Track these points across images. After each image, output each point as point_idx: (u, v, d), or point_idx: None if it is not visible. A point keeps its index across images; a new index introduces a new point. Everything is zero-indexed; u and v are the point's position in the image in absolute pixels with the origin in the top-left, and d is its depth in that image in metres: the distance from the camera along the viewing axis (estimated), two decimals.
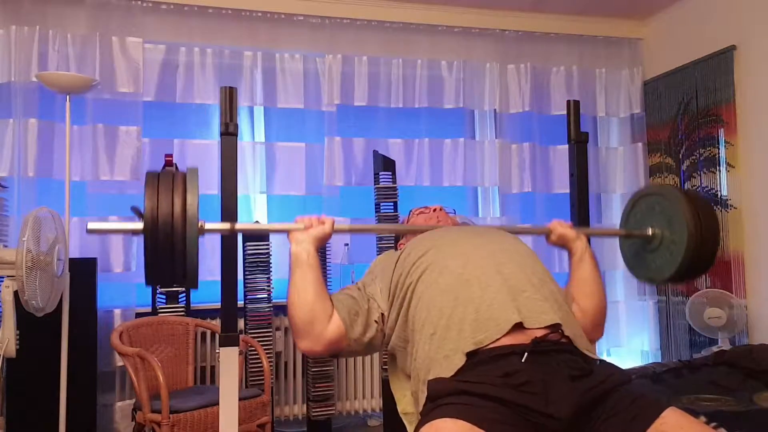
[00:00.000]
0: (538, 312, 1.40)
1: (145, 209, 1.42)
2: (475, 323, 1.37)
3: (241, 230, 1.67)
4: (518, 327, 1.36)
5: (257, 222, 3.56)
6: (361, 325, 1.56)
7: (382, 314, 1.58)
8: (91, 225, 1.53)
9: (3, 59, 3.35)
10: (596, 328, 1.67)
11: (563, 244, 1.80)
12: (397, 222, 3.53)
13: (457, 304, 1.41)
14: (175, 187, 1.45)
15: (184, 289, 3.35)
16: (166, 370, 2.96)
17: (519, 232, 1.81)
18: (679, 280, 1.87)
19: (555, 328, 1.38)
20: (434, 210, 1.95)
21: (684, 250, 1.75)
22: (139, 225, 1.43)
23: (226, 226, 1.77)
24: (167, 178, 1.47)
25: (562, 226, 1.81)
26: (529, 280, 1.47)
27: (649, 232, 1.87)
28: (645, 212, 1.92)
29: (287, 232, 1.66)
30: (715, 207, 3.77)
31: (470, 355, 1.34)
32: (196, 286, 1.54)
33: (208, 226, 1.58)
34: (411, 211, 2.02)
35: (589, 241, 1.83)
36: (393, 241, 2.09)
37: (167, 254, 1.42)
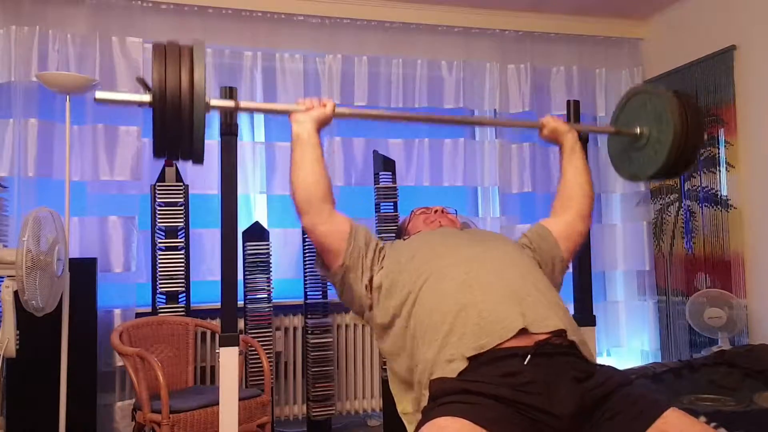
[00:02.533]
0: (542, 317, 1.39)
1: (152, 82, 1.42)
2: (478, 327, 1.37)
3: (245, 108, 1.73)
4: (522, 331, 1.36)
5: (257, 223, 3.54)
6: (361, 250, 1.59)
7: (371, 278, 1.60)
8: (99, 94, 1.53)
9: (3, 59, 3.35)
10: (585, 218, 1.84)
11: (555, 137, 1.91)
12: (397, 221, 3.53)
13: (459, 310, 1.41)
14: (182, 61, 1.46)
15: (184, 288, 3.35)
16: (166, 370, 2.96)
17: (511, 125, 1.90)
18: (661, 177, 1.96)
19: (559, 333, 1.38)
20: (435, 211, 1.94)
21: (668, 149, 1.82)
22: (146, 97, 1.45)
23: (231, 103, 1.79)
24: (174, 50, 1.47)
25: (554, 120, 1.90)
26: (534, 286, 1.47)
27: (637, 130, 1.93)
28: (636, 109, 1.97)
29: (289, 112, 1.71)
30: (715, 207, 3.78)
31: (472, 358, 1.34)
32: (201, 161, 1.57)
33: (213, 102, 1.60)
34: (412, 211, 2.01)
35: (579, 135, 1.94)
36: (395, 233, 2.10)
37: (175, 128, 1.44)
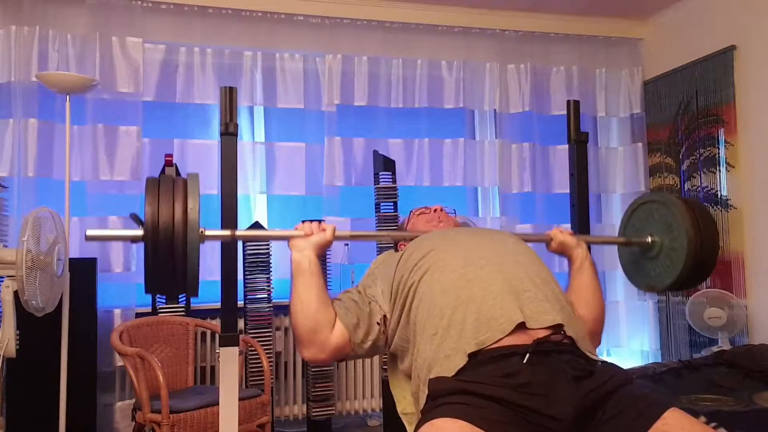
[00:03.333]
0: (540, 312, 1.39)
1: (145, 216, 1.40)
2: (477, 323, 1.37)
3: (241, 237, 1.66)
4: (520, 327, 1.36)
5: (257, 223, 3.55)
6: (363, 329, 1.56)
7: (384, 316, 1.59)
8: (90, 232, 1.50)
9: (3, 59, 3.35)
10: (594, 336, 1.66)
11: (563, 251, 1.81)
12: (397, 222, 3.53)
13: (458, 304, 1.41)
14: (176, 194, 1.44)
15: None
16: (166, 370, 2.96)
17: (522, 237, 1.81)
18: (680, 287, 1.87)
19: (557, 328, 1.38)
20: (434, 210, 1.94)
21: (684, 257, 1.75)
22: (139, 232, 1.42)
23: (227, 233, 1.75)
24: (167, 184, 1.46)
25: (562, 234, 1.82)
26: (532, 280, 1.46)
27: (648, 239, 1.87)
28: (644, 220, 1.92)
29: (288, 239, 1.65)
30: (715, 207, 3.77)
31: (472, 355, 1.34)
32: (196, 294, 1.54)
33: (209, 233, 1.57)
34: (411, 211, 2.01)
35: (589, 248, 1.83)
36: (393, 242, 2.09)
37: (168, 262, 1.41)
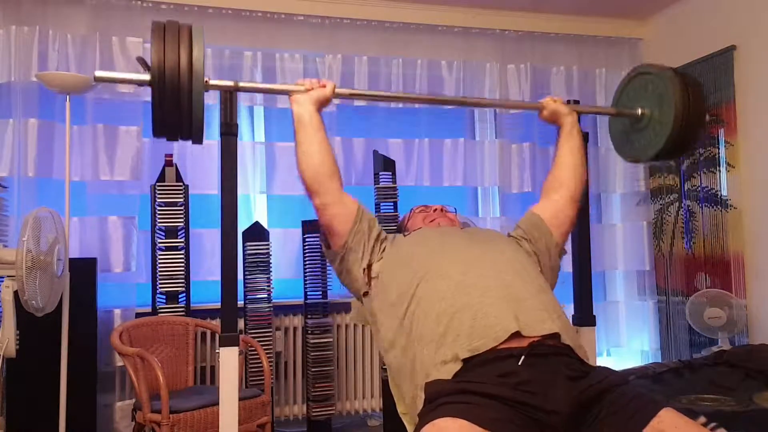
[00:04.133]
0: (537, 321, 1.39)
1: (151, 61, 1.43)
2: (471, 330, 1.37)
3: (244, 88, 1.73)
4: (515, 335, 1.36)
5: (257, 223, 3.54)
6: (365, 232, 1.63)
7: (381, 257, 1.63)
8: (99, 73, 1.54)
9: (3, 59, 3.35)
10: (575, 200, 1.80)
11: (555, 119, 1.90)
12: (397, 221, 3.53)
13: (454, 311, 1.41)
14: (181, 42, 1.48)
15: (184, 288, 3.35)
16: (166, 370, 2.96)
17: (511, 107, 1.90)
18: (662, 159, 1.93)
19: (553, 337, 1.38)
20: (435, 210, 1.94)
21: (669, 132, 1.80)
22: (146, 76, 1.46)
23: (230, 83, 1.76)
24: (173, 29, 1.49)
25: (555, 102, 1.89)
26: (529, 289, 1.46)
27: (638, 111, 1.91)
28: (638, 90, 1.95)
29: (288, 92, 1.72)
30: (715, 207, 3.78)
31: (467, 359, 1.34)
32: (201, 140, 1.58)
33: (212, 82, 1.62)
34: (412, 208, 2.02)
35: (579, 117, 1.91)
36: (397, 227, 2.11)
37: (174, 106, 1.45)
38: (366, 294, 1.65)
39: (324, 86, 1.70)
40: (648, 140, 1.89)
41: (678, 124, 1.78)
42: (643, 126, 1.90)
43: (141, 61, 1.47)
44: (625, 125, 1.99)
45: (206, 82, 1.53)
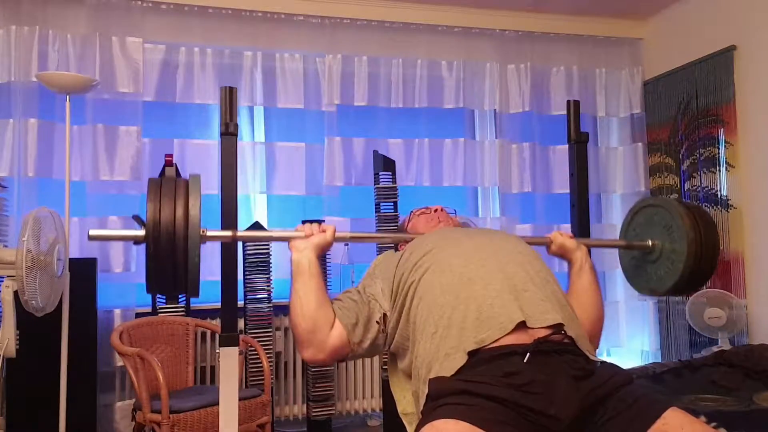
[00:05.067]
0: (541, 311, 1.39)
1: (146, 216, 1.41)
2: (477, 322, 1.37)
3: (242, 238, 1.68)
4: (520, 326, 1.36)
5: (257, 223, 3.55)
6: (362, 329, 1.56)
7: (384, 314, 1.58)
8: (93, 232, 1.52)
9: (3, 59, 3.35)
10: (593, 339, 1.66)
11: (563, 254, 1.81)
12: (397, 222, 3.53)
13: (458, 303, 1.41)
14: (178, 195, 1.45)
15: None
16: (166, 370, 2.96)
17: (526, 240, 1.81)
18: (681, 291, 1.87)
19: (558, 327, 1.38)
20: (435, 210, 1.94)
21: (685, 259, 1.75)
22: (140, 232, 1.43)
23: (228, 234, 1.76)
24: (169, 184, 1.46)
25: (562, 237, 1.82)
26: (532, 280, 1.46)
27: (649, 243, 1.87)
28: (644, 224, 1.93)
29: (288, 240, 1.66)
30: (715, 207, 3.77)
31: (471, 354, 1.34)
32: (197, 295, 1.54)
33: (209, 233, 1.58)
34: (411, 211, 2.01)
35: (589, 251, 1.83)
36: (396, 227, 2.10)
37: (169, 262, 1.42)
38: (386, 339, 1.60)
39: (324, 231, 1.65)
40: (665, 271, 1.84)
41: (693, 251, 1.74)
42: (656, 257, 1.86)
43: (137, 218, 1.45)
44: (636, 258, 1.95)
45: (203, 233, 1.50)
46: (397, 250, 1.89)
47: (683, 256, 1.76)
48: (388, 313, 1.58)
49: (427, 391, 1.35)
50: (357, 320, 1.56)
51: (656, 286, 1.89)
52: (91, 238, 1.52)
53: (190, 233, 1.43)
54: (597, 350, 1.69)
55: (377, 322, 1.58)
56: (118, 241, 1.35)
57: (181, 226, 1.42)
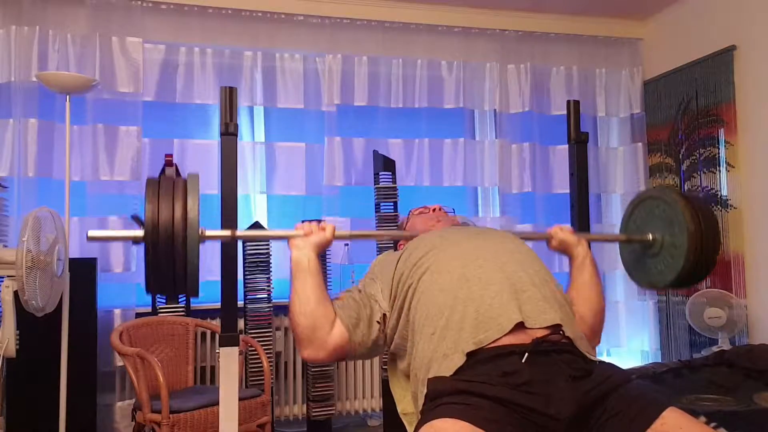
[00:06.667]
0: (539, 311, 1.39)
1: (145, 216, 1.41)
2: (476, 322, 1.37)
3: (241, 237, 1.67)
4: (519, 326, 1.36)
5: (257, 223, 3.55)
6: (363, 328, 1.56)
7: (384, 315, 1.58)
8: (92, 233, 1.52)
9: (3, 59, 3.35)
10: (595, 335, 1.66)
11: (564, 249, 1.80)
12: (397, 221, 3.53)
13: (456, 303, 1.41)
14: (176, 194, 1.44)
15: None
16: (166, 370, 2.96)
17: (524, 237, 1.80)
18: (682, 284, 1.85)
19: (556, 328, 1.38)
20: (433, 210, 1.94)
21: (685, 253, 1.74)
22: (139, 232, 1.43)
23: (227, 233, 1.76)
24: (168, 184, 1.46)
25: (563, 232, 1.81)
26: (531, 280, 1.46)
27: (650, 236, 1.86)
28: (645, 217, 1.92)
29: (287, 238, 1.66)
30: (715, 207, 3.77)
31: (470, 354, 1.34)
32: (197, 294, 1.54)
33: (208, 233, 1.58)
34: (410, 211, 2.02)
35: (589, 245, 1.82)
36: (393, 242, 2.09)
37: (168, 262, 1.42)
38: (386, 340, 1.60)
39: (323, 229, 1.65)
40: (665, 265, 1.83)
41: (694, 245, 1.73)
42: (657, 251, 1.85)
43: (136, 218, 1.45)
44: (636, 252, 1.94)
45: (202, 232, 1.50)
46: (396, 249, 1.89)
47: (684, 249, 1.75)
48: (387, 314, 1.58)
49: (425, 391, 1.35)
50: (358, 320, 1.56)
51: (656, 280, 1.89)
52: (90, 239, 1.52)
53: (189, 233, 1.42)
54: (598, 345, 1.70)
55: (378, 323, 1.58)
56: (117, 241, 1.34)
57: (180, 226, 1.42)
